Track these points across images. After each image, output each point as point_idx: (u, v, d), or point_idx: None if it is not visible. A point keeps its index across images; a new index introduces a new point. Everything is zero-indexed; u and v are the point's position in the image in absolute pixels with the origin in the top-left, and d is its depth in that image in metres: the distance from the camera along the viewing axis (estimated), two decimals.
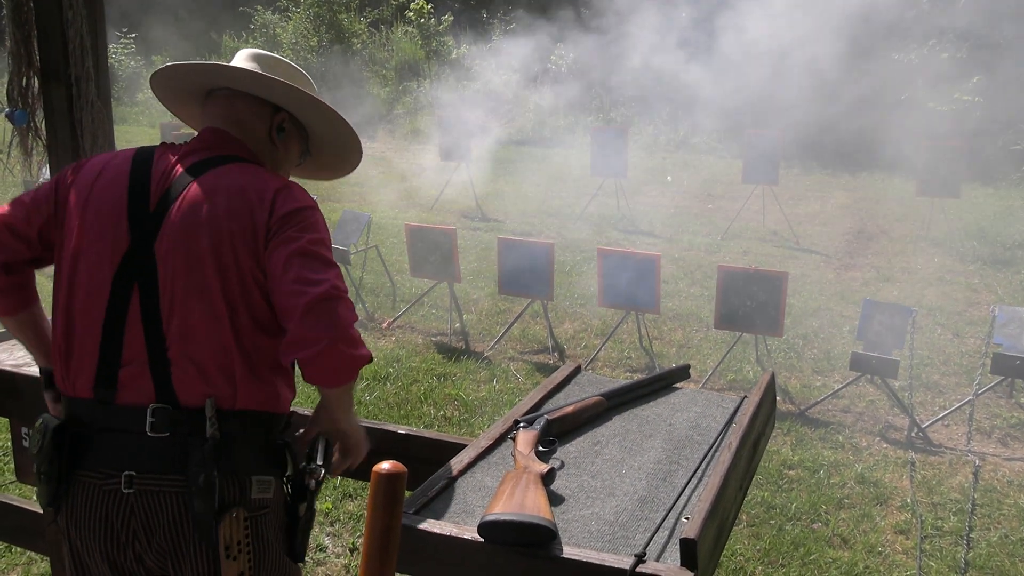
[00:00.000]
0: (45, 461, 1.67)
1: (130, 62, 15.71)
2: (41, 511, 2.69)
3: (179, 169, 1.72)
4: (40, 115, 2.53)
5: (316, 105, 1.88)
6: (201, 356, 1.65)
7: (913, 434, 4.84)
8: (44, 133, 2.53)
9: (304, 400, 5.14)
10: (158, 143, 1.89)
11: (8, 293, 1.81)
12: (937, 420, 4.99)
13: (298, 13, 15.81)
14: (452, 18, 15.25)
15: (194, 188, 1.69)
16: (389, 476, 1.15)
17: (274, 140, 1.86)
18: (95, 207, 1.71)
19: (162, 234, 1.67)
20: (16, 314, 1.84)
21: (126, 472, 1.64)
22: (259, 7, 16.40)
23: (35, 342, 1.88)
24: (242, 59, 1.88)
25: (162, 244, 1.66)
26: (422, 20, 15.07)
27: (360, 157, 2.04)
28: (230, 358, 1.67)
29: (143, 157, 1.77)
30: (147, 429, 1.64)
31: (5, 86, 2.55)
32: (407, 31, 15.89)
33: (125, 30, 15.62)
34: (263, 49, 1.90)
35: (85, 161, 1.82)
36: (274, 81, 1.81)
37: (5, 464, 4.29)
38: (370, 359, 1.69)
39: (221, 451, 1.64)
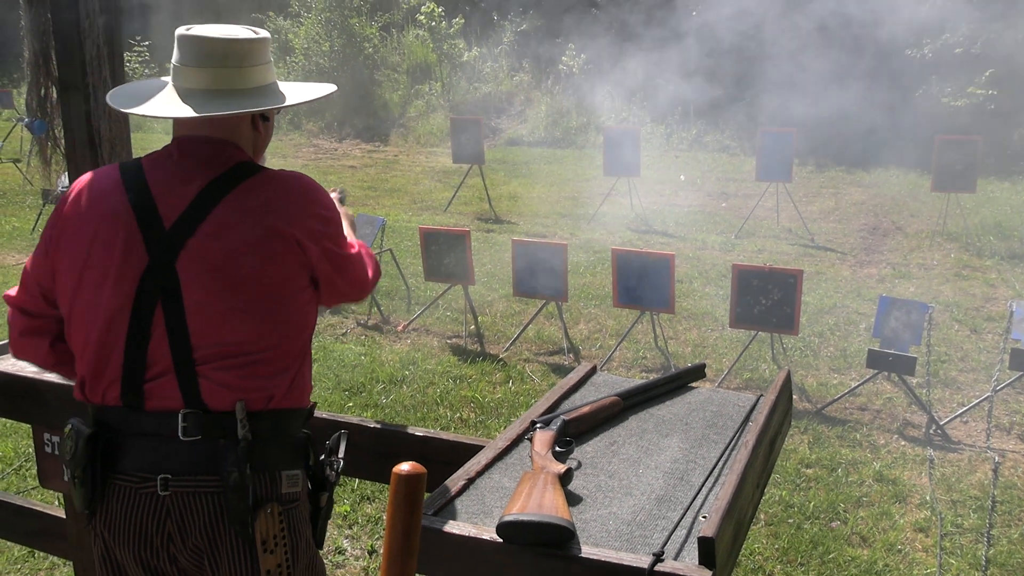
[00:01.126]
0: (79, 466, 1.71)
1: (144, 70, 15.83)
2: (64, 515, 2.72)
3: (191, 190, 1.73)
4: (58, 124, 2.57)
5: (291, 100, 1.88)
6: (230, 364, 1.70)
7: (931, 431, 4.82)
8: (63, 142, 2.57)
9: (320, 404, 5.17)
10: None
11: (66, 364, 1.87)
12: (955, 417, 4.97)
13: (310, 18, 15.86)
14: (463, 21, 15.28)
15: (219, 212, 1.71)
16: (409, 477, 1.16)
17: (257, 128, 1.88)
18: (99, 231, 1.73)
19: (185, 252, 1.69)
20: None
21: (161, 475, 1.68)
22: (271, 13, 16.47)
23: None
24: (199, 79, 1.77)
25: (185, 261, 1.69)
26: (433, 23, 15.10)
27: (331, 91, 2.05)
28: (259, 363, 1.72)
29: (132, 174, 1.77)
30: (179, 434, 1.68)
31: (24, 97, 2.58)
32: (418, 34, 15.92)
33: (139, 38, 15.75)
34: (214, 30, 1.78)
35: (67, 195, 1.83)
36: (246, 107, 1.78)
37: (28, 470, 4.34)
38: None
39: (253, 450, 1.70)
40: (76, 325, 1.76)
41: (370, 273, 1.96)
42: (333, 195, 2.16)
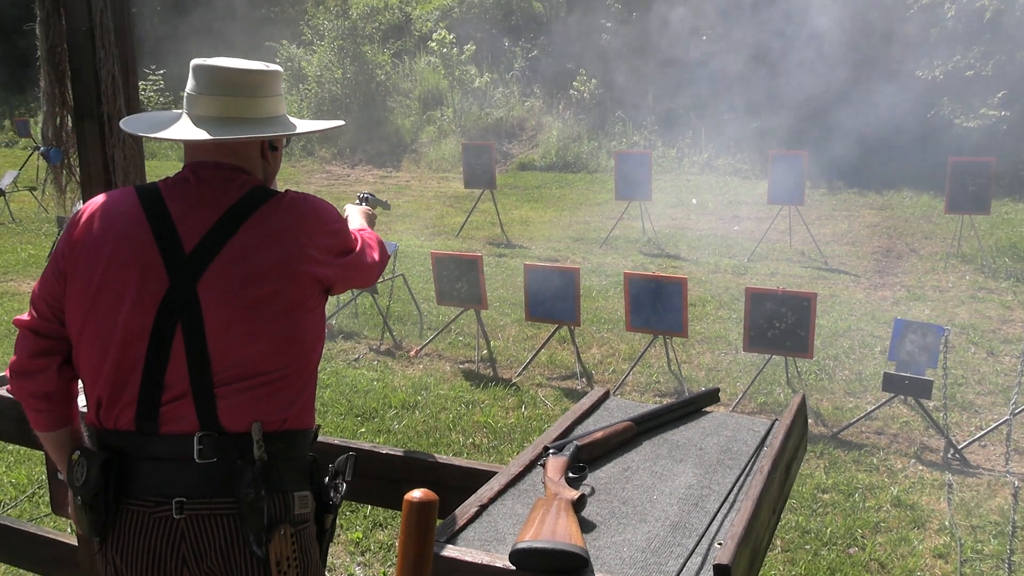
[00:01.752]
0: (91, 492, 1.71)
1: (159, 98, 16.01)
2: (76, 543, 2.71)
3: (212, 214, 1.76)
4: (74, 153, 2.59)
5: (299, 128, 1.94)
6: (248, 384, 1.71)
7: (949, 455, 4.76)
8: (77, 170, 2.59)
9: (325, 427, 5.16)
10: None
11: (63, 402, 1.87)
12: (974, 440, 4.91)
13: (323, 46, 16.03)
14: (475, 47, 15.40)
15: (240, 237, 1.74)
16: (421, 504, 1.16)
17: (266, 156, 1.93)
18: (117, 253, 1.75)
19: (207, 276, 1.72)
20: (58, 428, 1.89)
21: (177, 499, 1.68)
22: (284, 41, 16.65)
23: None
24: (212, 107, 1.83)
25: (206, 284, 1.71)
26: (444, 50, 15.23)
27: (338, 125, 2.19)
28: (276, 383, 1.74)
29: (152, 198, 1.80)
30: (195, 456, 1.69)
31: (40, 125, 2.61)
32: (430, 61, 16.06)
33: (153, 67, 15.94)
34: (233, 64, 1.85)
35: (78, 217, 1.85)
36: (257, 133, 1.84)
37: (40, 497, 4.34)
38: None
39: (269, 471, 1.71)
40: (87, 347, 1.76)
41: (376, 258, 2.01)
42: (360, 197, 2.47)
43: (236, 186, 1.81)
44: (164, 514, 1.69)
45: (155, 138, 1.87)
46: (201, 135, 1.79)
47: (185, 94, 1.87)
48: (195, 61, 1.86)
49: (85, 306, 1.76)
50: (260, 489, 1.68)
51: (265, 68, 1.88)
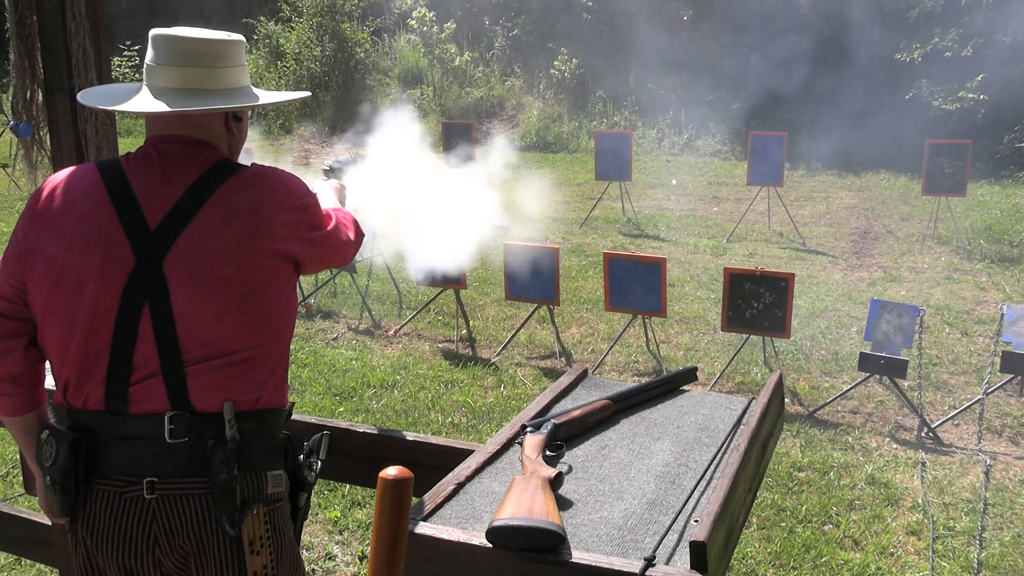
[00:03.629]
0: (60, 472, 1.69)
1: (134, 75, 15.77)
2: (50, 523, 2.69)
3: (175, 191, 1.72)
4: (44, 127, 2.54)
5: (264, 100, 1.89)
6: (219, 364, 1.69)
7: (923, 434, 4.82)
8: (48, 145, 2.54)
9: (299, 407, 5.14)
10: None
11: (30, 385, 1.83)
12: (947, 420, 4.97)
13: (301, 23, 15.84)
14: (455, 26, 15.28)
15: (204, 214, 1.70)
16: (396, 482, 1.15)
17: (231, 128, 1.87)
18: (79, 231, 1.71)
19: (172, 253, 1.68)
20: (25, 413, 1.86)
21: (148, 478, 1.67)
22: (262, 18, 16.43)
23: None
24: (172, 78, 1.77)
25: (172, 262, 1.68)
26: (424, 28, 15.10)
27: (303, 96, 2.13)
28: (247, 362, 1.72)
29: (113, 175, 1.75)
30: (166, 436, 1.67)
31: (9, 99, 2.56)
32: (410, 39, 15.92)
33: (128, 43, 15.70)
34: (198, 34, 1.79)
35: (38, 194, 1.80)
36: (219, 104, 1.78)
37: (14, 477, 4.30)
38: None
39: (241, 451, 1.69)
40: (52, 327, 1.73)
41: (351, 236, 1.98)
42: (343, 156, 2.42)
43: (199, 161, 1.76)
44: (135, 494, 1.67)
45: (113, 111, 1.82)
46: (160, 107, 1.73)
47: (145, 65, 1.81)
48: (154, 31, 1.79)
49: (49, 286, 1.72)
50: (232, 469, 1.66)
51: (227, 37, 1.81)
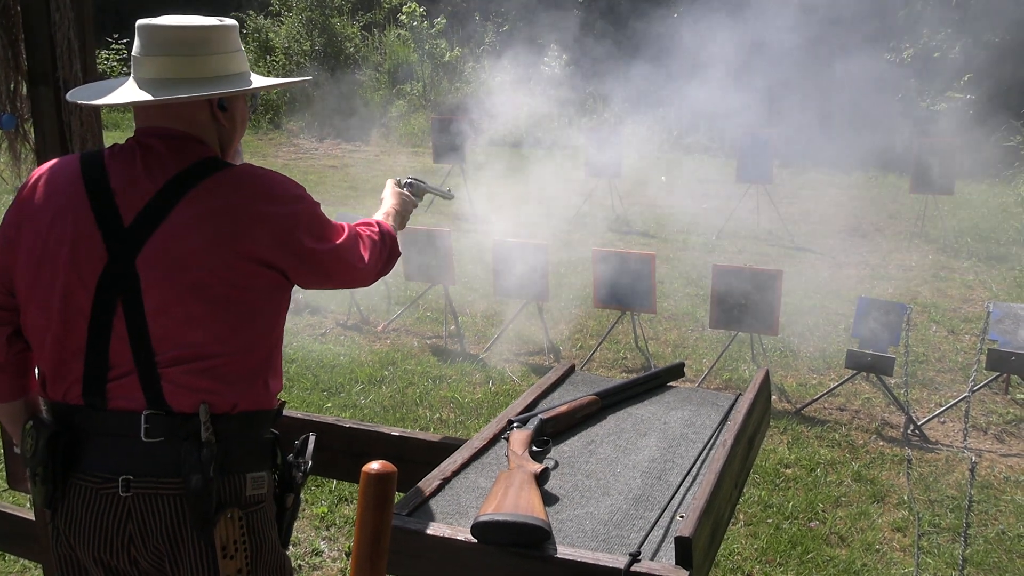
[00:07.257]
0: (39, 464, 1.68)
1: (122, 68, 15.69)
2: (33, 518, 2.67)
3: (152, 186, 1.67)
4: (28, 119, 2.52)
5: (248, 85, 1.81)
6: (193, 367, 1.65)
7: (909, 431, 4.84)
8: (32, 138, 2.52)
9: (290, 401, 5.13)
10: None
11: (14, 374, 1.81)
12: (933, 417, 4.99)
13: (290, 17, 15.78)
14: (445, 21, 15.26)
15: (179, 212, 1.65)
16: (379, 476, 1.14)
17: (218, 118, 1.79)
18: (55, 224, 1.68)
19: (146, 251, 1.64)
20: (8, 400, 1.84)
21: (123, 476, 1.64)
22: (251, 12, 16.36)
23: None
24: (153, 68, 1.72)
25: (144, 261, 1.64)
26: (415, 23, 15.07)
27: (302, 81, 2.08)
28: (222, 367, 1.67)
29: (94, 167, 1.71)
30: (142, 435, 1.64)
31: None
32: (400, 34, 15.89)
33: (116, 35, 15.61)
34: (190, 20, 1.73)
35: (25, 184, 1.77)
36: (197, 92, 1.72)
37: None
38: None
39: (217, 453, 1.65)
40: (32, 319, 1.72)
41: (364, 260, 1.86)
42: (441, 186, 2.21)
43: (182, 156, 1.70)
44: (111, 491, 1.65)
45: (97, 105, 1.77)
46: (141, 97, 1.69)
47: (132, 56, 1.77)
48: (140, 21, 1.75)
49: (29, 277, 1.70)
50: (207, 472, 1.62)
51: (212, 23, 1.74)
